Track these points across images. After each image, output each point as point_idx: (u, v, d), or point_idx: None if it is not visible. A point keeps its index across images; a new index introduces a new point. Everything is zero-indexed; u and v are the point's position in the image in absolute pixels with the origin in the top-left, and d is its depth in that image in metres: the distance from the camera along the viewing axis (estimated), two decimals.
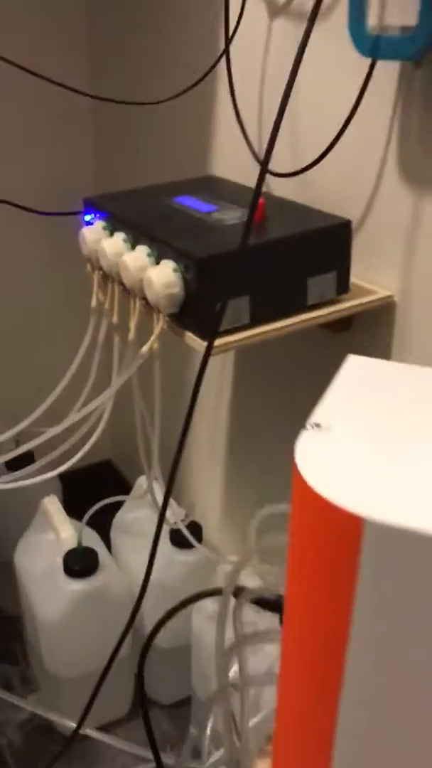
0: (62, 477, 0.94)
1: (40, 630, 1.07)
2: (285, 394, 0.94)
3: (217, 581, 1.00)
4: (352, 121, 0.69)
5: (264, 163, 0.61)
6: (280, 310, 0.70)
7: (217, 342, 0.66)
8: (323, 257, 0.70)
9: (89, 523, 1.04)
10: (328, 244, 0.71)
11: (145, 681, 1.19)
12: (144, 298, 0.70)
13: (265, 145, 0.86)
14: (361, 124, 0.70)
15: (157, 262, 0.70)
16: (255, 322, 0.69)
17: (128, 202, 0.82)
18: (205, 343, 0.65)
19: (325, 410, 0.40)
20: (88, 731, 0.90)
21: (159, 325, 0.69)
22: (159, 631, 0.54)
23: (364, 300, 0.72)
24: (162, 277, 0.67)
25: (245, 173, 0.87)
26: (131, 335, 0.73)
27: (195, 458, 1.19)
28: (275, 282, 0.69)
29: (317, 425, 0.38)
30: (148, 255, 0.70)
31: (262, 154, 0.86)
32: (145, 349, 0.70)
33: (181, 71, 0.96)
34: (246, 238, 0.62)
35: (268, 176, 0.78)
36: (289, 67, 0.57)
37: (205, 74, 0.87)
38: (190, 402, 0.67)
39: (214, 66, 0.88)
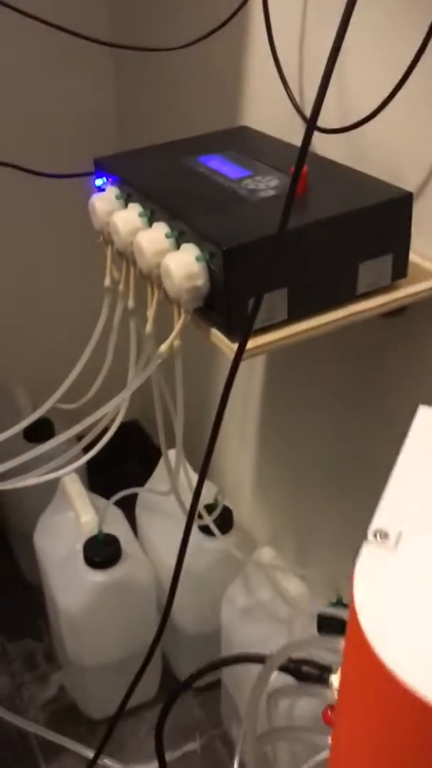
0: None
1: (61, 617, 1.02)
2: (324, 382, 0.84)
3: (246, 572, 0.93)
4: (417, 66, 0.58)
5: (311, 121, 0.49)
6: (323, 303, 0.59)
7: (249, 344, 0.55)
8: (378, 238, 0.59)
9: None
10: (385, 222, 0.58)
11: (174, 664, 1.15)
12: (163, 287, 0.59)
13: (306, 92, 0.73)
14: (427, 69, 0.57)
15: (178, 245, 0.58)
16: (293, 318, 0.58)
17: (146, 163, 0.70)
18: (234, 346, 0.55)
19: (392, 504, 0.29)
20: (106, 760, 0.84)
21: (180, 321, 0.58)
22: (181, 692, 0.46)
23: (425, 286, 0.61)
24: (183, 266, 0.55)
25: (282, 124, 0.76)
26: (149, 327, 0.63)
27: (224, 440, 1.10)
28: (319, 270, 0.57)
29: (382, 534, 0.28)
30: (167, 236, 0.59)
31: (302, 102, 0.73)
32: (163, 348, 0.60)
33: (209, 9, 0.82)
34: (285, 221, 0.50)
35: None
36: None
37: (238, 8, 0.73)
38: (218, 410, 0.57)
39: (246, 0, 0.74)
